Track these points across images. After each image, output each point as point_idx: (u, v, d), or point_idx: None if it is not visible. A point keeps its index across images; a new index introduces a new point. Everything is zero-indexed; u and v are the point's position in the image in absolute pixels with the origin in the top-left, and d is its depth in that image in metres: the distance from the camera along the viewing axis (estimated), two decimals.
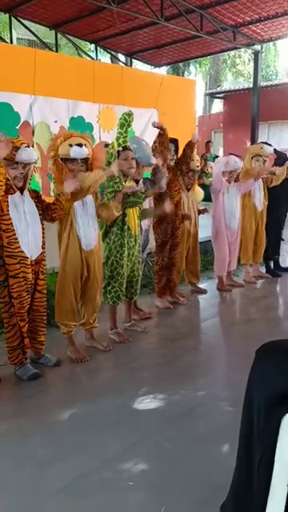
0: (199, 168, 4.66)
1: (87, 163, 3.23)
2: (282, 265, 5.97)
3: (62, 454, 2.30)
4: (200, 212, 4.85)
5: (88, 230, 3.26)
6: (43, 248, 3.09)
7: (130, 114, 3.37)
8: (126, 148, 3.46)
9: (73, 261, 3.23)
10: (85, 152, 3.15)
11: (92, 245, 3.31)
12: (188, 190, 4.64)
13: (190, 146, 4.46)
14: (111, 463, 2.23)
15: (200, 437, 2.43)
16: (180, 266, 4.68)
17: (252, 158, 5.22)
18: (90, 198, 3.29)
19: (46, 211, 3.06)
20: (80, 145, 3.12)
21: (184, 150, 4.48)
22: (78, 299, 3.37)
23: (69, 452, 2.32)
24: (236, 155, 5.22)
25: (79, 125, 8.26)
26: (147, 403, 2.78)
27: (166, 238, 4.38)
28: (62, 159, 3.16)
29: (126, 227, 3.57)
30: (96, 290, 3.41)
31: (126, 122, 3.37)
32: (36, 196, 3.05)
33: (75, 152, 3.10)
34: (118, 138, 3.43)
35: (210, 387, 2.96)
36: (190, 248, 4.78)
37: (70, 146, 3.10)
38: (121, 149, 3.44)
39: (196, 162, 4.58)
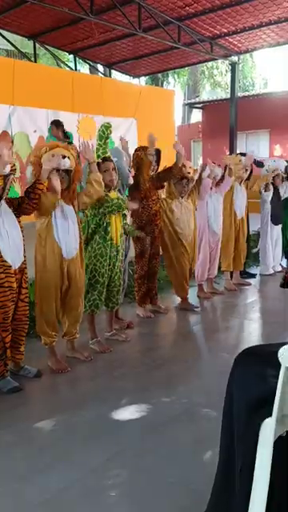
0: (191, 175, 4.55)
1: (69, 175, 3.23)
2: (264, 272, 6.09)
3: (44, 467, 2.27)
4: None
5: (68, 237, 3.24)
6: (24, 256, 3.06)
7: (107, 127, 3.39)
8: (105, 159, 3.47)
9: (52, 270, 3.21)
10: (67, 163, 3.15)
11: (73, 253, 3.29)
12: (181, 197, 4.60)
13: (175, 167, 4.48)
14: (94, 475, 2.21)
15: (183, 445, 2.44)
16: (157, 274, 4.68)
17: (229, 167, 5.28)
18: (69, 207, 3.27)
19: (23, 202, 3.02)
20: (63, 156, 3.13)
21: (171, 168, 4.46)
22: (59, 309, 3.35)
23: (50, 464, 2.29)
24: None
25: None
26: (129, 413, 2.77)
27: (145, 248, 4.39)
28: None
29: (108, 237, 3.57)
30: (78, 299, 3.40)
31: (104, 134, 3.40)
32: (12, 203, 3.02)
33: (57, 162, 3.10)
34: (97, 150, 3.46)
35: (192, 395, 2.97)
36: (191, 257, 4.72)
37: (53, 155, 3.11)
38: (100, 160, 3.46)
39: (187, 168, 4.49)
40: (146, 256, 4.42)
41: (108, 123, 3.42)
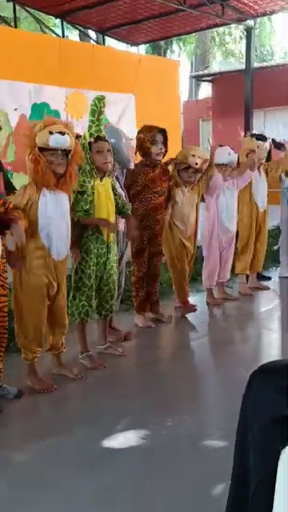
0: (199, 166, 4.50)
1: (68, 156, 3.19)
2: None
3: (27, 500, 2.27)
4: None
5: (61, 234, 3.23)
6: (3, 258, 3.05)
7: (100, 99, 3.40)
8: (99, 138, 3.47)
9: (39, 273, 3.19)
10: (67, 141, 3.11)
11: (64, 253, 3.29)
12: (186, 186, 4.60)
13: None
14: (83, 508, 2.21)
15: (186, 476, 2.43)
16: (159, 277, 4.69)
17: (247, 154, 5.27)
18: (64, 196, 3.26)
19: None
20: (62, 133, 3.09)
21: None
22: (45, 320, 3.34)
23: (34, 497, 2.29)
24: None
25: (44, 113, 8.26)
26: (125, 438, 2.77)
27: (143, 246, 4.38)
28: (39, 149, 3.10)
29: (94, 229, 3.55)
30: (64, 306, 3.41)
31: (96, 107, 3.40)
32: None
33: (56, 140, 3.07)
34: (89, 128, 3.46)
35: (199, 418, 2.97)
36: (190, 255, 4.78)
37: (51, 133, 3.07)
38: (93, 140, 3.46)
39: (195, 158, 4.45)
40: (145, 255, 4.42)
41: (101, 96, 3.43)
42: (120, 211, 3.80)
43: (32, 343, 3.28)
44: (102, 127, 3.52)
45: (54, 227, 3.19)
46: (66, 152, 3.16)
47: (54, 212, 3.18)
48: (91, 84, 8.85)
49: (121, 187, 4.06)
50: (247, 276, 5.63)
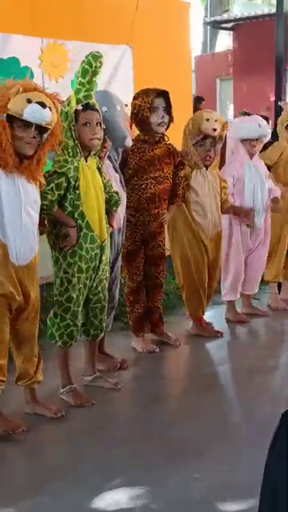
0: (218, 132, 4.58)
1: (42, 135, 3.19)
2: None
3: None
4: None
5: (22, 232, 3.23)
6: None
7: (97, 57, 3.41)
8: (88, 107, 3.48)
9: None
10: (47, 117, 3.11)
11: (30, 256, 3.30)
12: (206, 166, 4.64)
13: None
14: None
15: None
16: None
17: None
18: (27, 184, 3.25)
19: None
20: (43, 104, 3.09)
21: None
22: (7, 340, 3.33)
23: None
24: (262, 116, 5.27)
25: (11, 71, 8.25)
26: (116, 499, 2.77)
27: (134, 247, 4.40)
28: (9, 116, 3.10)
29: (84, 223, 3.56)
30: (35, 322, 3.43)
31: (90, 67, 3.41)
32: None
33: (33, 112, 3.06)
34: (77, 91, 3.47)
35: (216, 473, 2.96)
36: (211, 262, 4.82)
37: (29, 101, 3.07)
38: (80, 107, 3.47)
39: (212, 122, 4.51)
40: (138, 259, 4.44)
41: (98, 52, 3.44)
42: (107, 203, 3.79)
43: None
44: (93, 93, 3.54)
45: (10, 221, 3.18)
46: (41, 129, 3.16)
47: (13, 201, 3.18)
48: (74, 33, 8.83)
49: (115, 170, 4.05)
50: (280, 284, 5.64)
